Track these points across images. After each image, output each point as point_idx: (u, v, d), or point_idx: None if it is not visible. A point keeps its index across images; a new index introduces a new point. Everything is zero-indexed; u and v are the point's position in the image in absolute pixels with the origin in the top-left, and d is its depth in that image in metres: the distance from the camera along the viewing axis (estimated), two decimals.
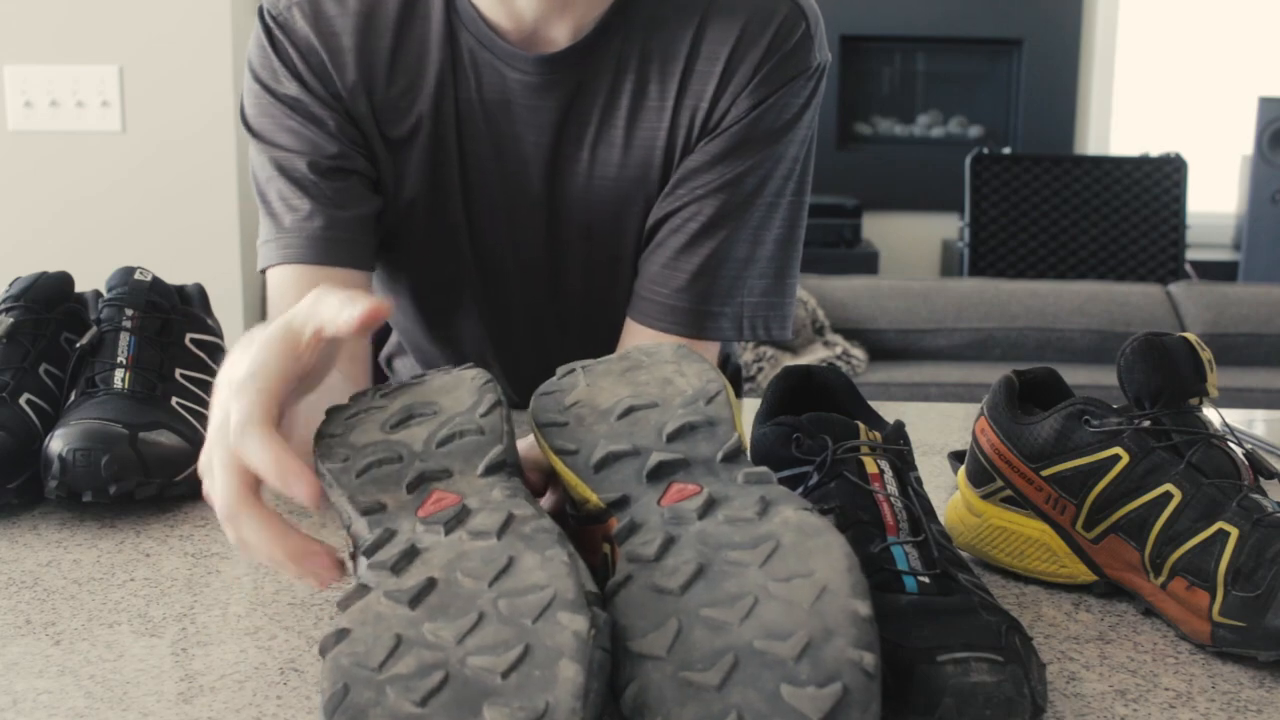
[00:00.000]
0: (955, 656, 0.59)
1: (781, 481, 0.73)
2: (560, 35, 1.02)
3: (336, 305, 0.65)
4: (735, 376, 1.39)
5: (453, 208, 1.08)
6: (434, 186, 1.08)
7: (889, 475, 0.71)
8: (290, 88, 1.03)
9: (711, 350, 1.09)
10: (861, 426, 0.73)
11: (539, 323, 1.17)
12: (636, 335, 1.07)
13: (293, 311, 0.67)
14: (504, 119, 1.05)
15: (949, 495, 0.88)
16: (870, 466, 0.71)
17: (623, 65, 1.04)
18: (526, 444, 0.75)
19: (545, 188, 1.08)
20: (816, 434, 0.73)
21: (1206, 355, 0.76)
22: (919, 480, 0.73)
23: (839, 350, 3.17)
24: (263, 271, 1.05)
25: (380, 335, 1.36)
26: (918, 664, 0.59)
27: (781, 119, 1.04)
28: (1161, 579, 0.72)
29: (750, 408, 0.83)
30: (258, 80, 1.04)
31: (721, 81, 1.03)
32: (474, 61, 1.04)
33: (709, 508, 0.60)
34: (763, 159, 1.04)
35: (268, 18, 1.04)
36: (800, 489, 0.71)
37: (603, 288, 1.13)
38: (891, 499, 0.69)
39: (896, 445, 0.73)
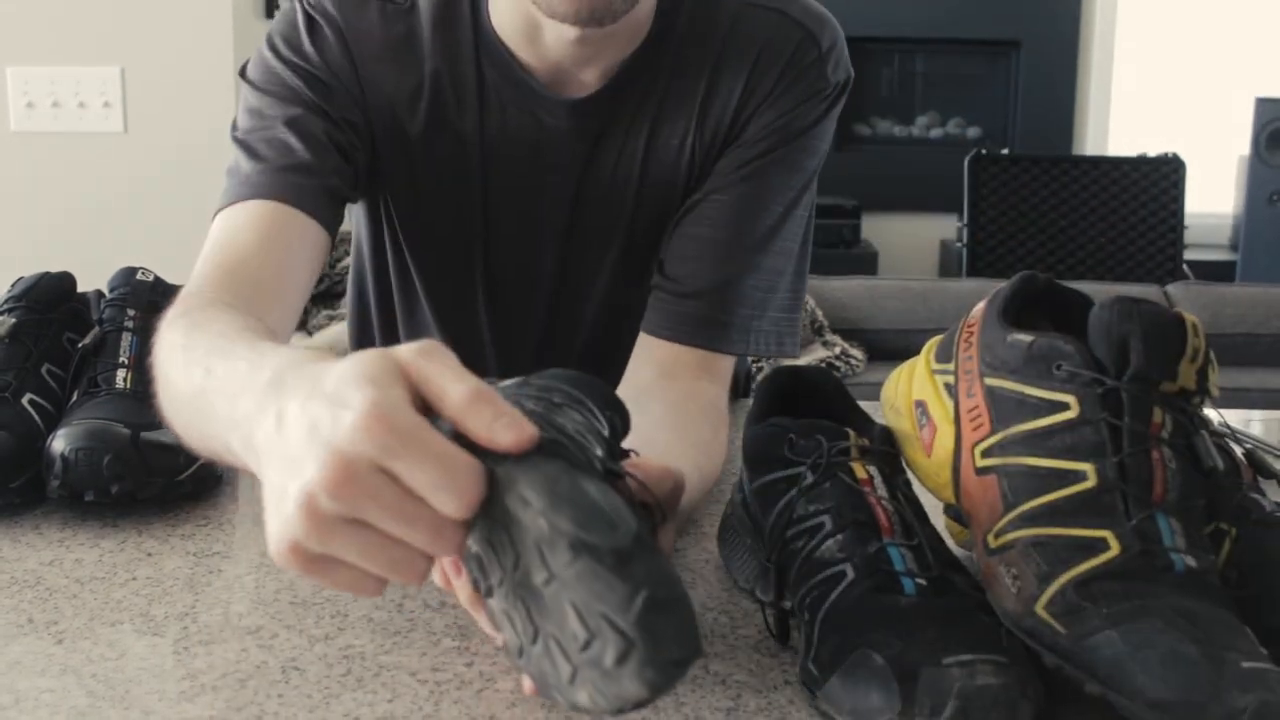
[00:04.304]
0: (961, 659, 0.59)
1: (776, 481, 0.73)
2: (589, 77, 1.04)
3: (468, 397, 0.54)
4: (745, 378, 1.39)
5: (471, 237, 1.10)
6: (456, 215, 1.09)
7: (878, 480, 0.71)
8: (320, 70, 1.02)
9: (724, 370, 1.07)
10: (851, 433, 0.73)
11: (544, 351, 1.18)
12: (649, 349, 1.06)
13: (388, 352, 0.56)
14: (529, 158, 1.06)
15: None
16: (860, 472, 0.71)
17: (644, 106, 1.06)
18: None
19: (563, 221, 1.10)
20: (810, 434, 0.73)
21: (1198, 343, 0.69)
22: (908, 484, 0.74)
23: (838, 350, 3.17)
24: (216, 215, 0.98)
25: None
26: (924, 666, 0.59)
27: (798, 132, 1.05)
28: None
29: (746, 408, 0.84)
30: (279, 54, 1.03)
31: (737, 110, 1.05)
32: (501, 99, 1.05)
33: None
34: (779, 170, 1.05)
35: (307, 6, 1.03)
36: (794, 489, 0.72)
37: (610, 319, 1.14)
38: (883, 502, 0.70)
39: (883, 449, 0.74)
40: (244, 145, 1.01)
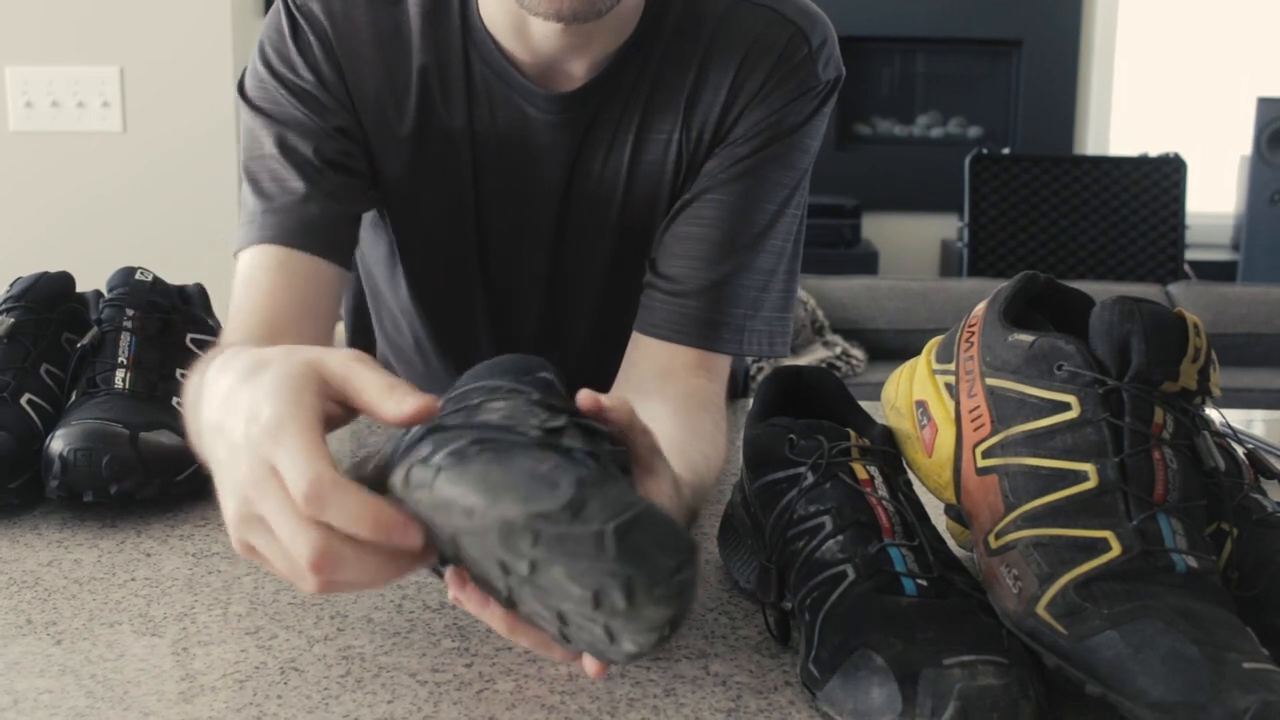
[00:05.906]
0: (962, 660, 0.59)
1: (777, 482, 0.73)
2: (577, 70, 1.03)
3: (382, 389, 0.61)
4: (744, 378, 1.39)
5: (465, 234, 1.10)
6: (448, 211, 1.09)
7: (879, 480, 0.71)
8: (306, 80, 1.02)
9: (721, 368, 1.06)
10: (852, 434, 0.73)
11: (542, 345, 1.17)
12: (645, 349, 1.06)
13: (314, 358, 0.62)
14: (518, 153, 1.06)
15: None
16: (860, 472, 0.71)
17: (634, 98, 1.05)
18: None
19: (554, 217, 1.09)
20: (810, 435, 0.73)
21: (1199, 343, 0.69)
22: (908, 484, 0.73)
23: (838, 350, 3.17)
24: (237, 255, 1.01)
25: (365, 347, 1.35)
26: (924, 666, 0.59)
27: (789, 130, 1.04)
28: None
29: (745, 408, 0.84)
30: (269, 65, 1.03)
31: (725, 106, 1.04)
32: (489, 94, 1.04)
33: None
34: (771, 168, 1.05)
35: (291, 6, 1.03)
36: (795, 490, 0.72)
37: (606, 314, 1.14)
38: (884, 502, 0.70)
39: (884, 449, 0.73)
40: (248, 176, 1.02)
